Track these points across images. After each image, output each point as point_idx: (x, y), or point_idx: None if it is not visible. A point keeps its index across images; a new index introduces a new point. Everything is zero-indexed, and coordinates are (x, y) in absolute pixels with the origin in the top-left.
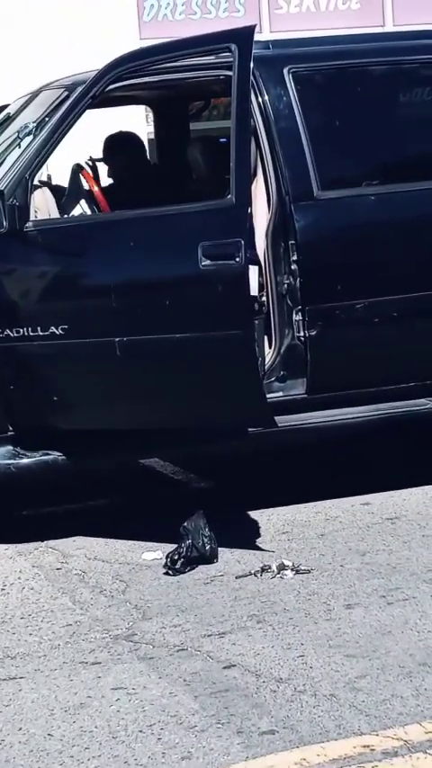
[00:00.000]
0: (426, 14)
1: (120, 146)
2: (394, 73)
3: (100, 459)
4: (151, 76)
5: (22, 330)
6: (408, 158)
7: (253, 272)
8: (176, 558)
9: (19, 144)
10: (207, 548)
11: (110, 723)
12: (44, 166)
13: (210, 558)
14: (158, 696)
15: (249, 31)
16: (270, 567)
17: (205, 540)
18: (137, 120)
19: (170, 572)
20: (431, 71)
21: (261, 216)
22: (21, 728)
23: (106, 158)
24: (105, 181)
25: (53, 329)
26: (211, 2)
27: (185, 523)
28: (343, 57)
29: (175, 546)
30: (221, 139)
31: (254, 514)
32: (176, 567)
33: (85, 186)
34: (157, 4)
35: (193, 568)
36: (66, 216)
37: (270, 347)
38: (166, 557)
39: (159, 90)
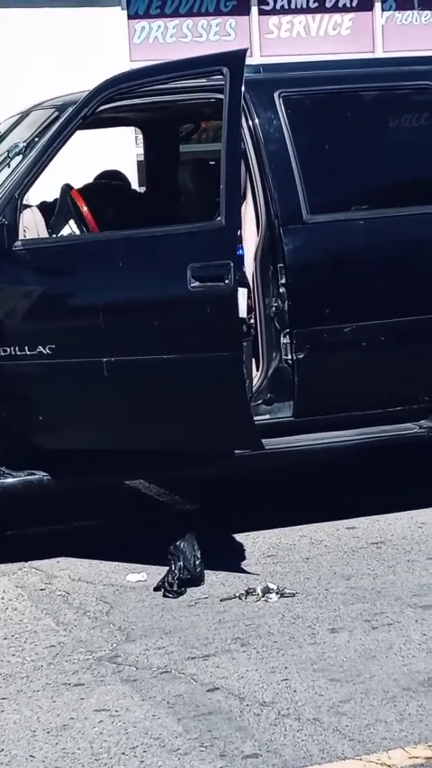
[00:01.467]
0: (415, 41)
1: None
2: (384, 98)
3: (85, 480)
4: (142, 98)
5: (9, 349)
6: (396, 184)
7: (242, 294)
8: (173, 580)
9: (8, 163)
10: (198, 570)
11: (92, 745)
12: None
13: (199, 581)
14: (141, 718)
15: (241, 54)
16: (255, 591)
17: (197, 561)
18: (126, 142)
19: (169, 594)
20: (420, 97)
21: (250, 238)
22: (2, 750)
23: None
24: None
25: (41, 348)
26: (202, 25)
27: (178, 543)
28: (333, 82)
29: (168, 567)
30: (211, 162)
31: (239, 537)
32: (174, 588)
33: (75, 206)
34: (148, 26)
35: (185, 591)
36: (54, 236)
37: (257, 369)
38: (163, 580)
39: (150, 112)
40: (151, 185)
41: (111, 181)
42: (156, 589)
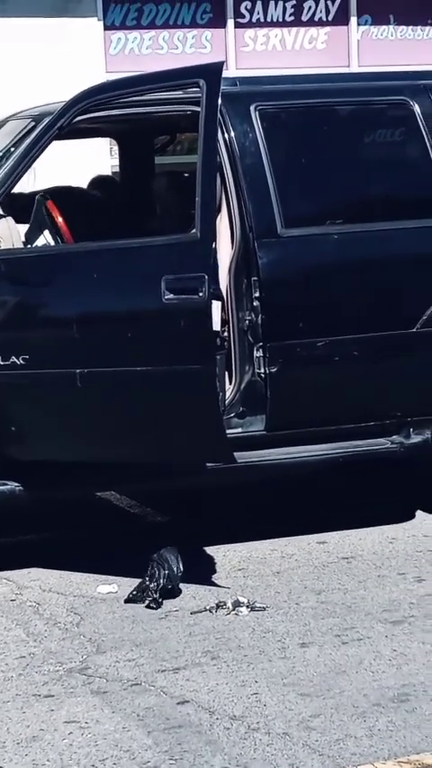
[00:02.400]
0: (390, 56)
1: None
2: (360, 113)
3: (57, 491)
4: (118, 109)
5: None
6: (371, 199)
7: (216, 307)
8: (156, 589)
9: None
10: (178, 582)
11: (62, 757)
12: (8, 196)
13: (177, 593)
14: (111, 731)
15: (218, 67)
16: (225, 604)
17: (180, 573)
18: (100, 153)
19: (153, 605)
20: (396, 112)
21: (224, 251)
22: None
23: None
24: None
25: (14, 359)
26: (179, 37)
27: (162, 552)
28: (310, 96)
29: (145, 577)
30: (185, 174)
31: (210, 550)
32: (157, 597)
33: (50, 217)
34: (124, 37)
35: (162, 602)
36: (29, 246)
37: (230, 383)
38: (140, 590)
39: (125, 123)
40: (126, 196)
41: (92, 190)
42: (128, 600)
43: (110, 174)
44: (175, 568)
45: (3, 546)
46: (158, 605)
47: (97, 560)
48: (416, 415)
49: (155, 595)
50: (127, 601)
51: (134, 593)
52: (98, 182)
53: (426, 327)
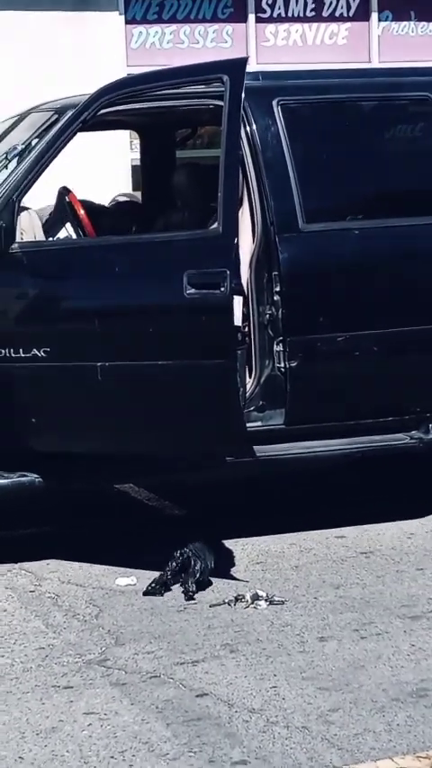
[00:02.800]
0: (411, 52)
1: None
2: (381, 109)
3: (76, 483)
4: (140, 102)
5: (3, 351)
6: (392, 194)
7: (237, 302)
8: (192, 580)
9: (6, 166)
10: (207, 575)
11: (81, 748)
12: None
13: (207, 584)
14: (130, 722)
15: (242, 62)
16: (244, 597)
17: (212, 566)
18: (121, 146)
19: (192, 594)
20: (417, 108)
21: (245, 245)
22: None
23: None
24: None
25: (35, 351)
26: (199, 32)
27: (197, 545)
28: (332, 91)
29: (168, 570)
30: (206, 167)
31: (228, 543)
32: (192, 589)
33: (72, 210)
34: (146, 31)
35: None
36: (51, 239)
37: (250, 377)
38: (160, 583)
39: (148, 116)
40: (147, 190)
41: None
42: (147, 593)
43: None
44: (209, 562)
45: (22, 537)
46: (191, 597)
47: (116, 553)
48: None
49: (192, 588)
50: (146, 593)
51: (153, 585)
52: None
53: None
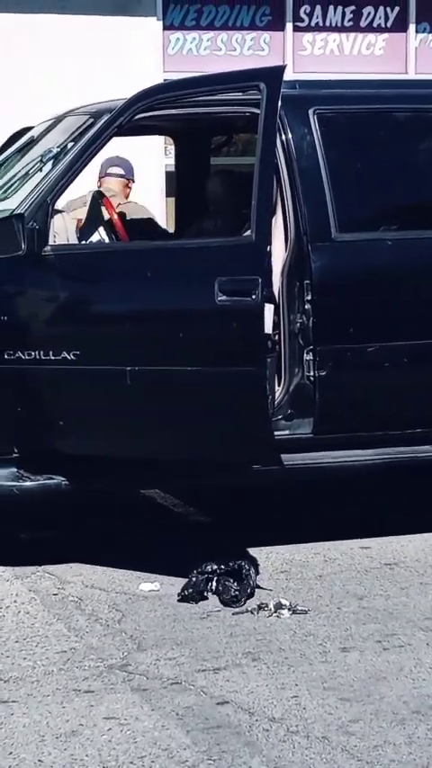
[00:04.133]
0: None
1: None
2: (417, 120)
3: (102, 487)
4: (176, 108)
5: (33, 353)
6: (426, 206)
7: (268, 310)
8: (240, 595)
9: (41, 168)
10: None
11: (101, 753)
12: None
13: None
14: (150, 728)
15: (279, 70)
16: (267, 606)
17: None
18: (155, 152)
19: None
20: None
21: (278, 253)
22: (11, 753)
23: None
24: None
25: (65, 354)
26: (237, 39)
27: (245, 563)
28: (368, 101)
29: (229, 583)
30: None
31: (253, 551)
32: (242, 603)
33: (105, 214)
34: (183, 38)
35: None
36: (84, 242)
37: (279, 385)
38: (197, 591)
39: (183, 122)
40: (181, 196)
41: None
42: (182, 599)
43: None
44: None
45: (46, 540)
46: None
47: (140, 558)
48: None
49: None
50: (182, 600)
51: (189, 591)
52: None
53: None
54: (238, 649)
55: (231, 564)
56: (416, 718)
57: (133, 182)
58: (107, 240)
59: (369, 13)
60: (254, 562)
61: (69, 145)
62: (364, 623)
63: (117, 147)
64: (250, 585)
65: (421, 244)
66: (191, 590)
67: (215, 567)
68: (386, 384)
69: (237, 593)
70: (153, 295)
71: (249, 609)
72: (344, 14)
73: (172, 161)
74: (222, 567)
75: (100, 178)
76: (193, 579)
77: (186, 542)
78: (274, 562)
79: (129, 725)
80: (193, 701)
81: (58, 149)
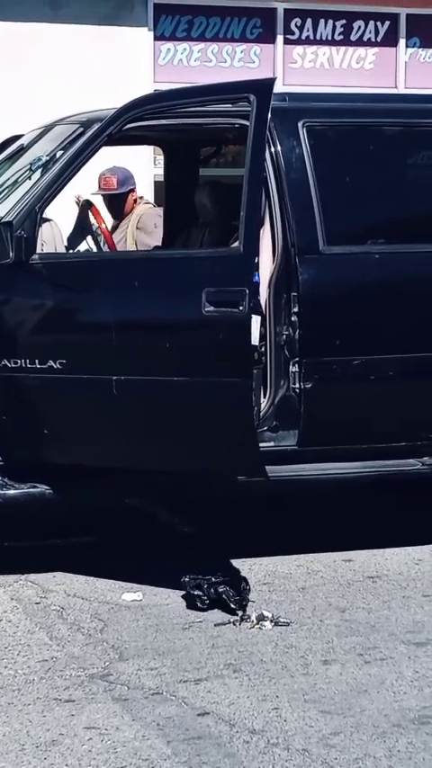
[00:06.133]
0: None
1: None
2: (406, 134)
3: (87, 496)
4: (166, 119)
5: (19, 361)
6: (414, 220)
7: (255, 321)
8: (244, 602)
9: (30, 176)
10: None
11: (81, 762)
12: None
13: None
14: (131, 738)
15: (269, 83)
16: (249, 617)
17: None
18: (144, 162)
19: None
20: None
21: (265, 265)
22: None
23: None
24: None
25: (51, 363)
26: (227, 51)
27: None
28: (358, 115)
29: (242, 598)
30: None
31: (236, 563)
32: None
33: (93, 223)
34: (174, 48)
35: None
36: (72, 251)
37: (265, 397)
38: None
39: (173, 133)
40: (170, 206)
41: None
42: (191, 608)
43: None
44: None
45: (30, 549)
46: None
47: (123, 567)
48: None
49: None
50: (190, 608)
51: (203, 599)
52: None
53: None
54: (219, 660)
55: (224, 576)
56: (396, 731)
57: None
58: (95, 249)
59: (359, 27)
60: (237, 573)
61: (59, 153)
62: (346, 636)
63: (106, 156)
64: (247, 596)
65: (409, 258)
66: (205, 598)
67: (215, 578)
68: (371, 397)
69: (236, 603)
70: (140, 305)
71: (231, 620)
72: (334, 28)
73: (161, 171)
74: (220, 575)
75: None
76: (205, 585)
77: (170, 553)
78: (257, 574)
79: (109, 735)
80: (174, 711)
81: (48, 158)
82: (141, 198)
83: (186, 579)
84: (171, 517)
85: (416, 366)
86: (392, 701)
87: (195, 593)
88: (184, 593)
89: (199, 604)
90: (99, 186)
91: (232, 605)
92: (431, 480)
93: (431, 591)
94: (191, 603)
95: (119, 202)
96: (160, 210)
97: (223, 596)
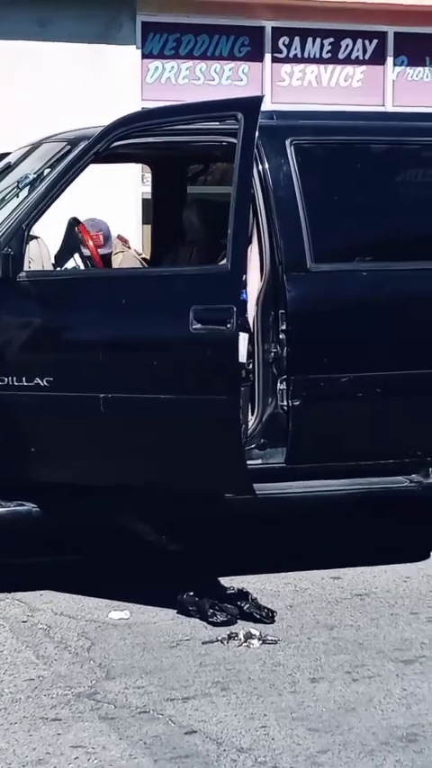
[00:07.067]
0: (425, 97)
1: None
2: (394, 153)
3: (74, 514)
4: (155, 137)
5: (6, 379)
6: (401, 238)
7: (243, 339)
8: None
9: (17, 194)
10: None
11: None
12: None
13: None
14: (118, 757)
15: (257, 101)
16: (237, 635)
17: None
18: (132, 180)
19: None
20: (430, 153)
21: (253, 283)
22: None
23: None
24: None
25: (38, 380)
26: (215, 69)
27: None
28: (345, 133)
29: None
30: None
31: (224, 581)
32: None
33: (81, 241)
34: (162, 66)
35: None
36: (59, 269)
37: (252, 414)
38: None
39: (161, 150)
40: (158, 223)
41: None
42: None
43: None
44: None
45: (17, 567)
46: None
47: (111, 586)
48: None
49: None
50: (215, 624)
51: (222, 619)
52: None
53: None
54: (207, 679)
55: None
56: (384, 749)
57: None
58: (82, 267)
59: (347, 46)
60: (224, 591)
61: (46, 171)
62: (334, 654)
63: (95, 175)
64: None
65: (395, 275)
66: (224, 618)
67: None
68: (359, 414)
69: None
70: (128, 322)
71: (219, 638)
72: (322, 46)
73: (149, 189)
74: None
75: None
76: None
77: (157, 571)
78: None
79: (96, 754)
80: (161, 730)
81: (35, 176)
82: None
83: (184, 597)
84: (159, 535)
85: (403, 383)
86: (380, 718)
87: (209, 611)
88: (173, 611)
89: (220, 618)
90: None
91: (265, 614)
92: (419, 497)
93: (419, 608)
94: (213, 618)
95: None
96: (137, 253)
97: (252, 612)
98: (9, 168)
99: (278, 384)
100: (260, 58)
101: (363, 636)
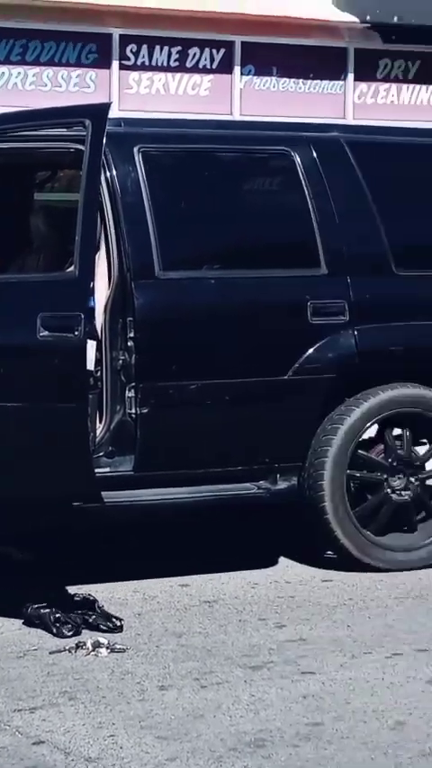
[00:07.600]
0: (271, 106)
1: None
2: (242, 161)
3: None
4: (0, 143)
5: None
6: (249, 246)
7: (91, 346)
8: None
9: None
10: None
11: None
12: None
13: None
14: None
15: (105, 108)
16: (85, 644)
17: None
18: None
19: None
20: (278, 162)
21: (101, 290)
22: None
23: None
24: None
25: None
26: (63, 75)
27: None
28: (194, 141)
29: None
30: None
31: (72, 589)
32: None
33: None
34: (8, 72)
35: None
36: None
37: (101, 422)
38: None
39: (6, 156)
40: (4, 230)
41: None
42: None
43: None
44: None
45: None
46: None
47: None
48: (283, 462)
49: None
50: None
51: (70, 627)
52: None
53: (296, 375)
54: (54, 688)
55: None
56: (232, 755)
57: None
58: None
59: (195, 54)
60: (71, 600)
61: None
62: (183, 661)
63: None
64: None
65: (243, 283)
66: (70, 626)
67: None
68: (208, 422)
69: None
70: None
71: (67, 648)
72: (170, 54)
73: None
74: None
75: None
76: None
77: (5, 581)
78: None
79: None
80: (8, 741)
81: None
82: None
83: (29, 610)
84: (6, 545)
85: (251, 391)
86: (228, 725)
87: (54, 625)
88: (20, 620)
89: (65, 632)
90: None
91: (111, 625)
92: (267, 504)
93: (267, 614)
94: (58, 632)
95: None
96: None
97: (98, 624)
98: None
99: (126, 392)
100: (108, 66)
101: (211, 642)
